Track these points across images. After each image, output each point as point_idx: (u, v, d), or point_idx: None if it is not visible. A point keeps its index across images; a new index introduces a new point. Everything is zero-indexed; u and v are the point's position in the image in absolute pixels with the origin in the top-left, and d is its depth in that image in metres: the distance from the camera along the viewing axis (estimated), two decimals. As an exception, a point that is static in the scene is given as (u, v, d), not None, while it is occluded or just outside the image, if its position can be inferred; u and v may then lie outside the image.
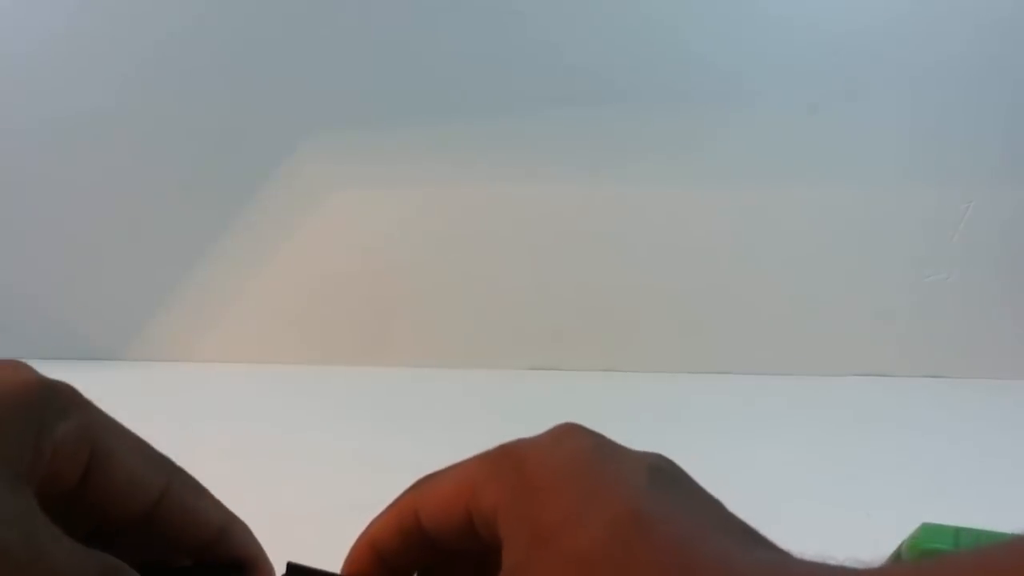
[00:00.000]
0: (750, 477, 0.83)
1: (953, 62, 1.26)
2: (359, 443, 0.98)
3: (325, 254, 1.42)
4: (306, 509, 0.76)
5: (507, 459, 0.23)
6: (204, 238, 1.44)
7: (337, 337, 1.42)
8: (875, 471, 0.87)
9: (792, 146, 1.31)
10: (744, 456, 0.92)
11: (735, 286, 1.34)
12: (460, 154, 1.38)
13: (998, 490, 0.80)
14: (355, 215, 1.41)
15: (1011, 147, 1.28)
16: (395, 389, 1.28)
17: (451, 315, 1.40)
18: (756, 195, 1.33)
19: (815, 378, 1.29)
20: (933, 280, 1.31)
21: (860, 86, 1.28)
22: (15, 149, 1.46)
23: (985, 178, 1.29)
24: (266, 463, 0.90)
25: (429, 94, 1.36)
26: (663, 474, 0.22)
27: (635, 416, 1.11)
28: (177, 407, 1.18)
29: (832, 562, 0.18)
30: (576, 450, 0.22)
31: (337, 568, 0.26)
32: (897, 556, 0.48)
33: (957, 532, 0.47)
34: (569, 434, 0.24)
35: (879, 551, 0.49)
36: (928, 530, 0.48)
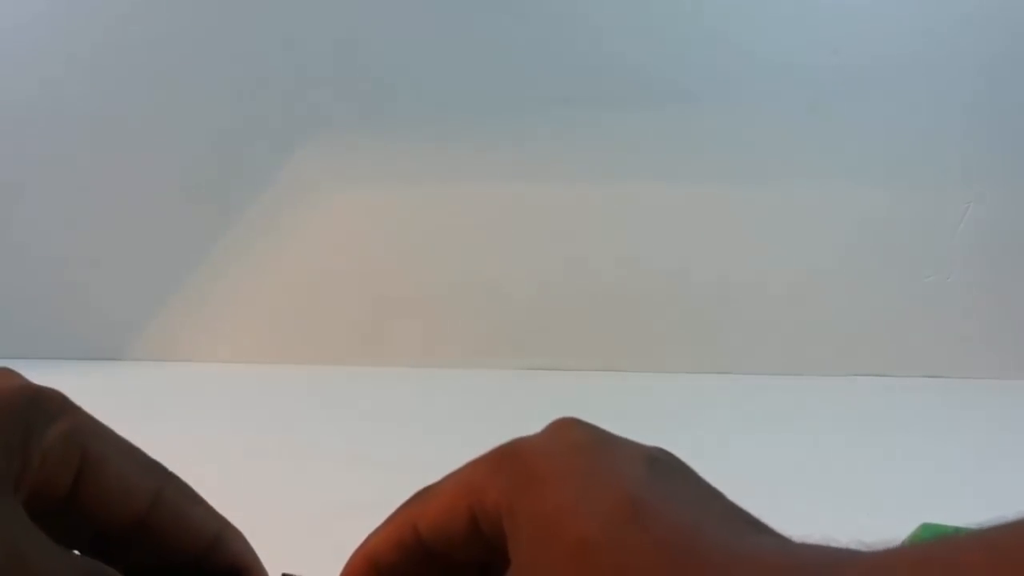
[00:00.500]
0: (750, 477, 0.83)
1: (953, 63, 1.26)
2: (359, 443, 0.97)
3: (324, 254, 1.42)
4: (306, 509, 0.76)
5: (506, 457, 0.23)
6: (203, 238, 1.44)
7: (337, 337, 1.42)
8: (875, 471, 0.87)
9: (792, 146, 1.31)
10: (744, 456, 0.92)
11: (735, 286, 1.34)
12: (460, 154, 1.38)
13: (998, 489, 0.80)
14: (354, 215, 1.41)
15: (1011, 147, 1.28)
16: (395, 389, 1.28)
17: (451, 315, 1.40)
18: (756, 195, 1.33)
19: (815, 378, 1.29)
20: (933, 280, 1.31)
21: (860, 86, 1.28)
22: (15, 150, 1.46)
23: (985, 178, 1.29)
24: (266, 462, 0.90)
25: (429, 95, 1.36)
26: (662, 464, 0.22)
27: (635, 416, 1.11)
28: (177, 407, 1.18)
29: (835, 545, 0.18)
30: (575, 442, 0.23)
31: (334, 574, 0.26)
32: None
33: (957, 532, 0.46)
34: (567, 427, 0.24)
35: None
36: (928, 529, 0.48)
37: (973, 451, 0.95)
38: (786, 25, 1.29)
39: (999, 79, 1.26)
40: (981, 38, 1.25)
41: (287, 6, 1.38)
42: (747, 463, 0.89)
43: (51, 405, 0.24)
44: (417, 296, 1.41)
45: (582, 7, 1.32)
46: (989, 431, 1.04)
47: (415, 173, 1.39)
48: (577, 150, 1.35)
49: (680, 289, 1.35)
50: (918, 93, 1.28)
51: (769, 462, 0.90)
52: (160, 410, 1.14)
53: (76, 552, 0.24)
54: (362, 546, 0.26)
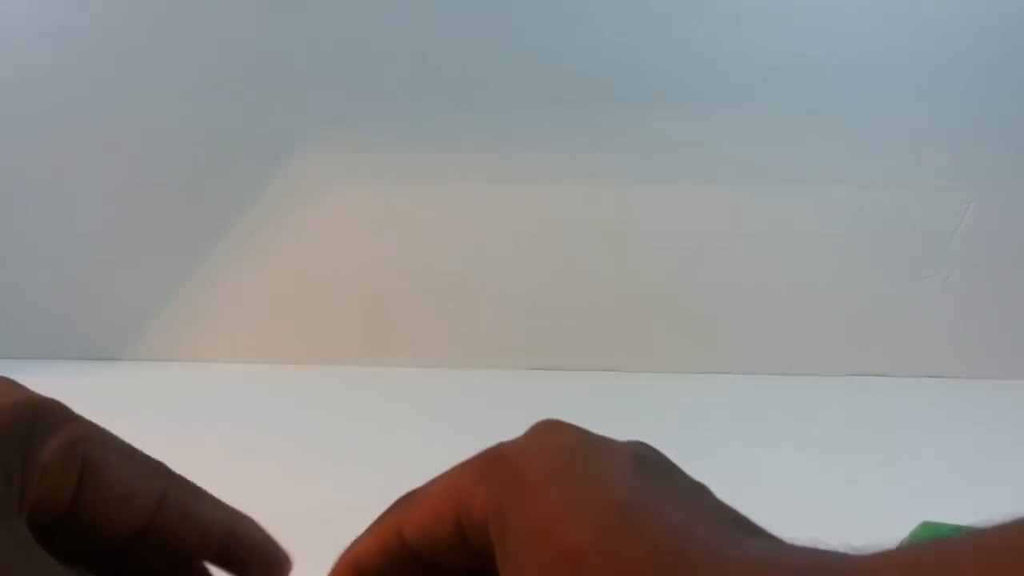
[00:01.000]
0: (750, 476, 0.83)
1: (953, 63, 1.26)
2: (359, 443, 0.97)
3: (325, 254, 1.42)
4: (306, 509, 0.76)
5: (492, 462, 0.23)
6: (204, 238, 1.44)
7: (337, 337, 1.42)
8: (875, 471, 0.87)
9: (792, 146, 1.31)
10: (744, 456, 0.92)
11: (735, 286, 1.34)
12: (461, 154, 1.38)
13: (998, 489, 0.80)
14: (355, 215, 1.41)
15: (1011, 147, 1.28)
16: (395, 389, 1.28)
17: (451, 315, 1.40)
18: (757, 195, 1.33)
19: (815, 378, 1.29)
20: (933, 280, 1.31)
21: (860, 86, 1.28)
22: (16, 150, 1.46)
23: (985, 178, 1.29)
24: (266, 463, 0.90)
25: (430, 95, 1.36)
26: (648, 463, 0.22)
27: (635, 416, 1.11)
28: (177, 407, 1.18)
29: (823, 548, 0.18)
30: (560, 446, 0.22)
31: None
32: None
33: (957, 531, 0.47)
34: (551, 429, 0.23)
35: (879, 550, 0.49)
36: (928, 528, 0.48)
37: (973, 451, 0.95)
38: (785, 25, 1.29)
39: (999, 79, 1.26)
40: (981, 38, 1.25)
41: (287, 6, 1.38)
42: (747, 463, 0.89)
43: (50, 417, 0.23)
44: (417, 296, 1.41)
45: (583, 7, 1.32)
46: (989, 431, 1.04)
47: (415, 173, 1.39)
48: (578, 150, 1.35)
49: (680, 289, 1.35)
50: (918, 93, 1.28)
51: (769, 462, 0.90)
52: (160, 410, 1.14)
53: (80, 568, 0.24)
54: (346, 552, 0.26)
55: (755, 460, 0.91)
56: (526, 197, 1.37)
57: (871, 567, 0.17)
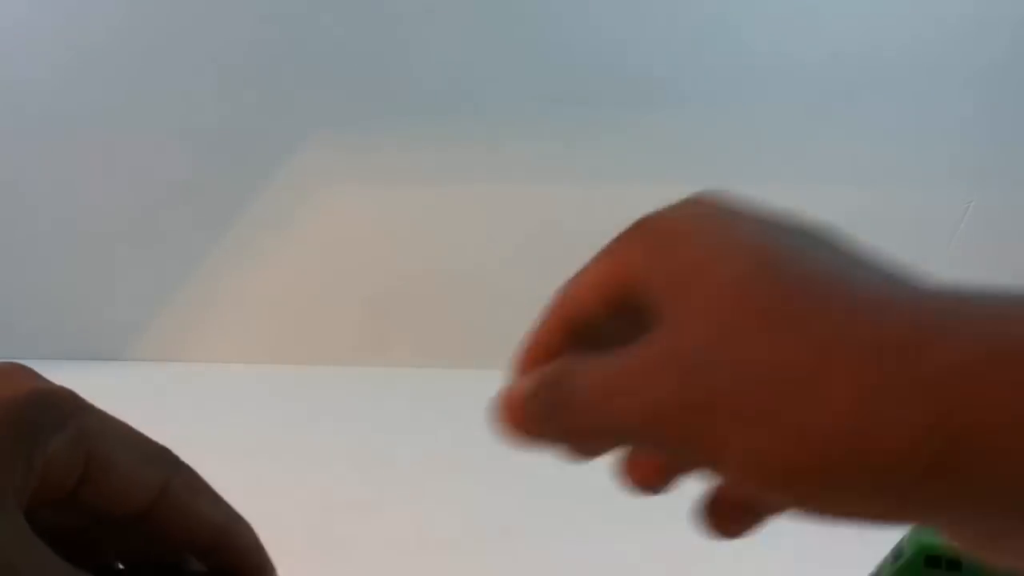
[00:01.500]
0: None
1: (953, 62, 1.26)
2: (358, 443, 0.98)
3: (325, 254, 1.42)
4: (306, 509, 0.76)
5: (640, 227, 0.25)
6: (204, 238, 1.44)
7: (337, 337, 1.42)
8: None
9: (791, 146, 1.31)
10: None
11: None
12: (460, 154, 1.38)
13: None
14: (355, 215, 1.41)
15: (1011, 147, 1.28)
16: (395, 389, 1.28)
17: (451, 315, 1.40)
18: (757, 195, 1.32)
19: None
20: (933, 280, 1.30)
21: (860, 86, 1.28)
22: (16, 149, 1.46)
23: (985, 178, 1.29)
24: (266, 463, 0.90)
25: (430, 94, 1.36)
26: (796, 221, 0.24)
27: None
28: (177, 407, 1.18)
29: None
30: (708, 205, 0.24)
31: (334, 573, 0.26)
32: (899, 551, 0.48)
33: None
34: (699, 196, 0.25)
35: (880, 546, 0.49)
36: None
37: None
38: (785, 25, 1.29)
39: (1000, 78, 1.26)
40: (982, 37, 1.25)
41: (287, 5, 1.38)
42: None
43: (58, 409, 0.23)
44: (417, 296, 1.41)
45: (583, 7, 1.32)
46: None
47: (415, 173, 1.39)
48: (578, 150, 1.35)
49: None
50: (918, 93, 1.28)
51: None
52: (160, 410, 1.14)
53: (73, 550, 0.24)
54: (528, 349, 0.29)
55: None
56: (526, 197, 1.37)
57: None
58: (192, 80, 1.41)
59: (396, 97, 1.37)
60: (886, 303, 0.20)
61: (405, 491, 0.85)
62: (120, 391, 1.26)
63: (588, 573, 0.75)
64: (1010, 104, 1.27)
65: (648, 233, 0.24)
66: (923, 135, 1.29)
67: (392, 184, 1.40)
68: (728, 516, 0.25)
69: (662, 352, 0.21)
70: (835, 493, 0.19)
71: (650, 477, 0.26)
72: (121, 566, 0.26)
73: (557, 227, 1.37)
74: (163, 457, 0.26)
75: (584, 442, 0.25)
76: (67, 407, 0.24)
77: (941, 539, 0.46)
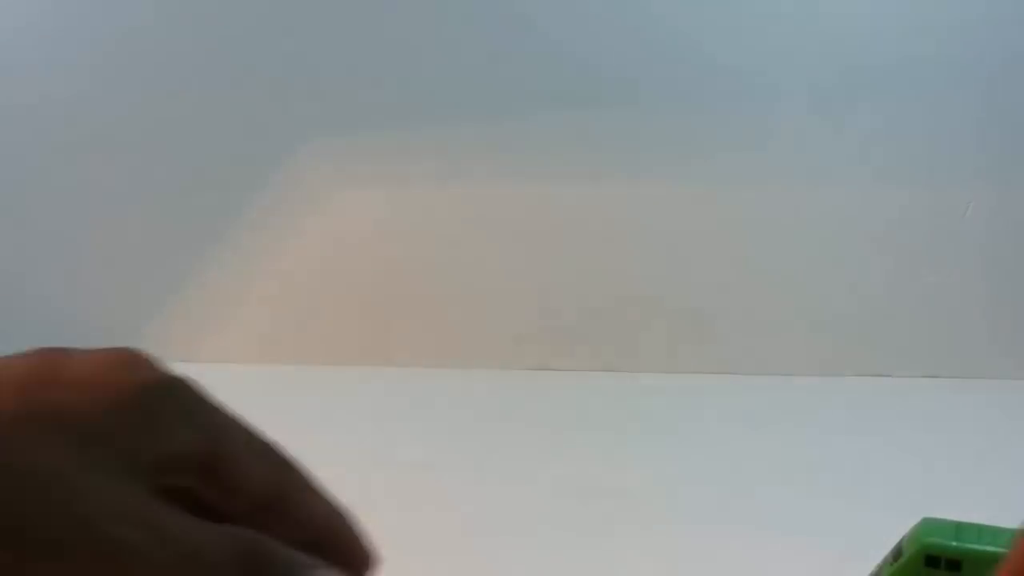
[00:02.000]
0: (750, 476, 0.83)
1: (954, 62, 1.26)
2: (358, 444, 0.98)
3: (325, 254, 1.42)
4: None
5: None
6: (204, 238, 1.44)
7: (337, 337, 1.42)
8: (875, 471, 0.87)
9: (792, 146, 1.31)
10: (744, 456, 0.92)
11: (735, 286, 1.34)
12: (460, 154, 1.38)
13: (998, 489, 0.80)
14: (355, 215, 1.41)
15: (1011, 147, 1.28)
16: (395, 389, 1.28)
17: (451, 315, 1.40)
18: (756, 195, 1.33)
19: (815, 378, 1.29)
20: (933, 280, 1.31)
21: (860, 86, 1.28)
22: (16, 149, 1.46)
23: (985, 178, 1.29)
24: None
25: (430, 94, 1.36)
26: None
27: (635, 416, 1.11)
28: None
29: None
30: None
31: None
32: (899, 551, 0.48)
33: (958, 527, 0.47)
34: None
35: (880, 547, 0.49)
36: (929, 524, 0.48)
37: (973, 451, 0.95)
38: (785, 25, 1.28)
39: (1000, 78, 1.26)
40: (981, 37, 1.25)
41: (287, 5, 1.38)
42: (747, 463, 0.89)
43: (185, 398, 0.23)
44: (417, 296, 1.41)
45: (584, 6, 1.32)
46: (989, 431, 1.04)
47: (415, 173, 1.39)
48: (578, 150, 1.35)
49: (680, 289, 1.35)
50: (918, 93, 1.28)
51: (769, 462, 0.90)
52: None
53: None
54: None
55: (755, 460, 0.91)
56: (526, 197, 1.37)
57: None
58: (192, 81, 1.40)
59: (396, 97, 1.37)
60: None
61: (405, 491, 0.85)
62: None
63: (588, 573, 0.75)
64: (1010, 104, 1.27)
65: None
66: (923, 135, 1.29)
67: (392, 184, 1.40)
68: None
69: None
70: None
71: None
72: None
73: (557, 227, 1.37)
74: (277, 453, 0.26)
75: None
76: (190, 396, 0.24)
77: (942, 537, 0.47)
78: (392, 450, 0.94)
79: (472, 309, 1.39)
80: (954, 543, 0.46)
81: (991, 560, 0.42)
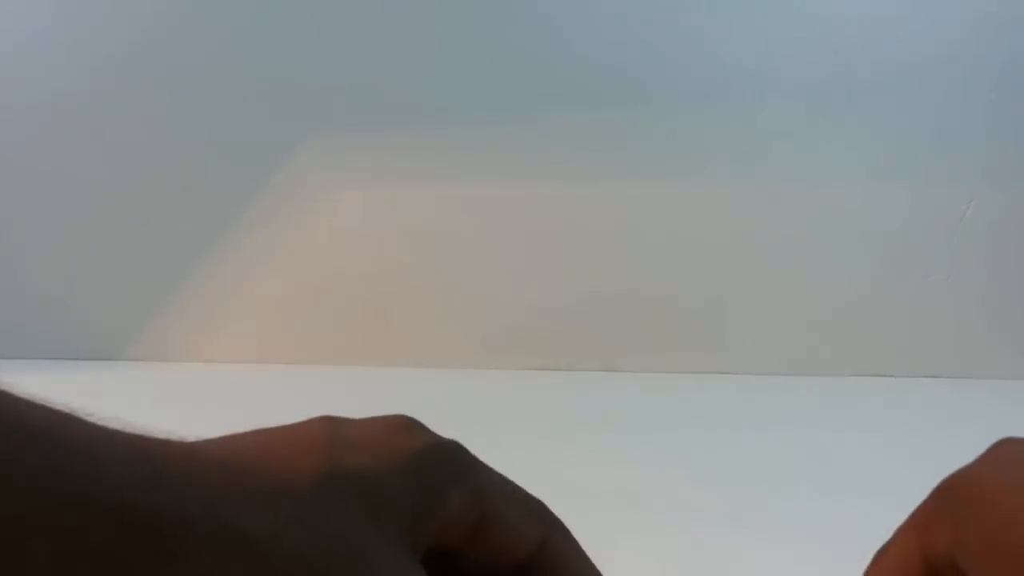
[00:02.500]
0: (751, 477, 0.83)
1: (953, 62, 1.27)
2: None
3: (325, 254, 1.42)
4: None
5: (944, 492, 0.23)
6: (204, 238, 1.44)
7: (337, 337, 1.42)
8: (875, 471, 0.87)
9: (792, 146, 1.31)
10: (744, 456, 0.92)
11: (735, 286, 1.34)
12: (460, 155, 1.38)
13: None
14: (355, 215, 1.41)
15: (1011, 147, 1.28)
16: (395, 389, 1.28)
17: (451, 315, 1.40)
18: (757, 195, 1.33)
19: (815, 378, 1.29)
20: (933, 280, 1.31)
21: (860, 86, 1.28)
22: (16, 149, 1.46)
23: (985, 178, 1.29)
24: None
25: (430, 95, 1.37)
26: None
27: (635, 416, 1.11)
28: (176, 407, 1.18)
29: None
30: (1012, 458, 0.23)
31: None
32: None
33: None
34: (1001, 447, 0.24)
35: (880, 547, 0.49)
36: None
37: (973, 451, 0.95)
38: (786, 26, 1.29)
39: (999, 78, 1.26)
40: (981, 38, 1.25)
41: (287, 5, 1.38)
42: (747, 463, 0.89)
43: (456, 463, 0.24)
44: (417, 296, 1.41)
45: (584, 6, 1.32)
46: (989, 431, 1.04)
47: (416, 173, 1.39)
48: (578, 150, 1.35)
49: (680, 289, 1.35)
50: (918, 93, 1.28)
51: (769, 462, 0.90)
52: (160, 410, 1.14)
53: None
54: None
55: (755, 460, 0.91)
56: (526, 197, 1.37)
57: None
58: (193, 81, 1.41)
59: (396, 98, 1.37)
60: None
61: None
62: (120, 391, 1.26)
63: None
64: (1010, 105, 1.27)
65: (952, 497, 0.23)
66: (923, 135, 1.29)
67: (392, 184, 1.40)
68: None
69: None
70: None
71: None
72: None
73: (557, 227, 1.37)
74: (543, 512, 0.26)
75: None
76: (463, 461, 0.24)
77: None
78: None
79: (472, 309, 1.39)
80: None
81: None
